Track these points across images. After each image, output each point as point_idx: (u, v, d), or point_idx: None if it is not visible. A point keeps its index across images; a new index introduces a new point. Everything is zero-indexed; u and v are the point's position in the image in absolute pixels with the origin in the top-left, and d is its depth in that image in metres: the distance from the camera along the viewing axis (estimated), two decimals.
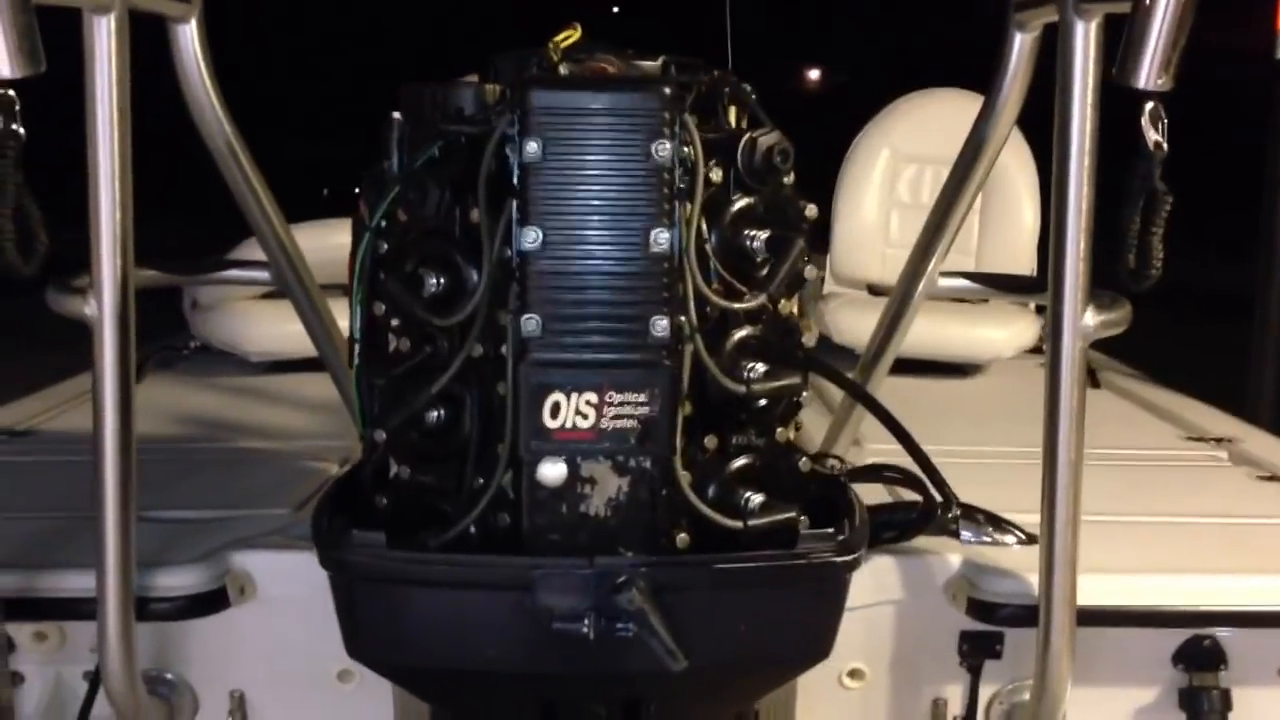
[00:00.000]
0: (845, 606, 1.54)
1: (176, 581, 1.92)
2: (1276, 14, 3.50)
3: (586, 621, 1.36)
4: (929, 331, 3.14)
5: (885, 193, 3.72)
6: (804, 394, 1.56)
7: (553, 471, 1.40)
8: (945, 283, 2.09)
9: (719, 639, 1.45)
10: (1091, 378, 3.41)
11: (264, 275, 2.11)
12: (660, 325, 1.40)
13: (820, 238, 3.72)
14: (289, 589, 1.97)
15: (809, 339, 1.58)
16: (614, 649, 1.38)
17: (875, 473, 2.04)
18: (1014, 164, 3.53)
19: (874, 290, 3.39)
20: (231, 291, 3.39)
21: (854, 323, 3.36)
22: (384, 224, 1.52)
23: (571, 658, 1.41)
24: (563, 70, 1.53)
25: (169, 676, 2.02)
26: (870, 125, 3.78)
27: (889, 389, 2.17)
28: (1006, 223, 3.62)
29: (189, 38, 1.81)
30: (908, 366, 3.16)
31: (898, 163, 3.73)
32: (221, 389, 3.28)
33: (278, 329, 3.19)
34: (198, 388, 3.30)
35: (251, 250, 2.31)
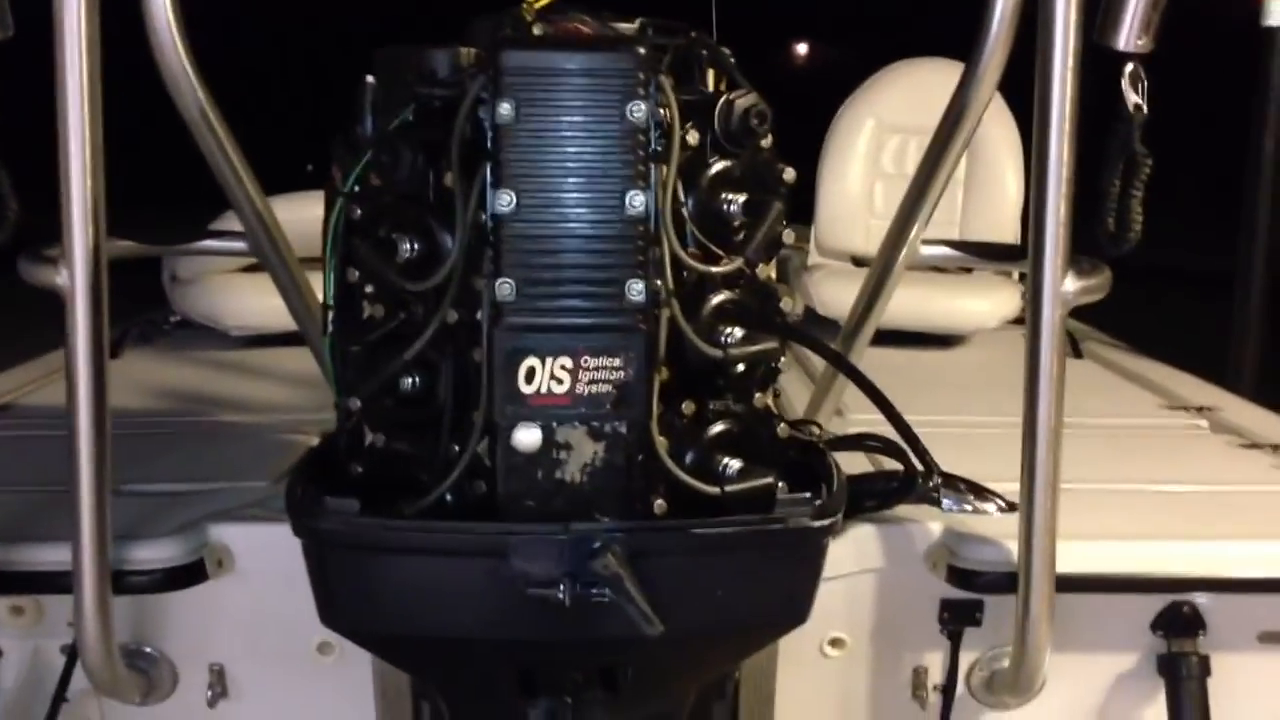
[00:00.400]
0: (823, 571, 1.54)
1: (153, 554, 1.91)
2: None
3: (562, 587, 1.35)
4: (912, 302, 3.14)
5: (870, 163, 3.71)
6: (782, 359, 1.55)
7: (527, 437, 1.39)
8: (927, 251, 2.08)
9: (696, 604, 1.44)
10: (1074, 347, 3.43)
11: (240, 246, 2.09)
12: (636, 289, 1.39)
13: (804, 209, 3.71)
14: (267, 561, 1.96)
15: (794, 309, 1.57)
16: (590, 615, 1.38)
17: (857, 441, 2.04)
18: (997, 133, 3.52)
19: (858, 261, 3.38)
20: (211, 265, 3.37)
21: (838, 294, 3.35)
22: (357, 189, 1.51)
23: (547, 624, 1.40)
24: (536, 31, 1.51)
25: (147, 650, 2.01)
26: (854, 96, 3.76)
27: (872, 360, 2.17)
28: (991, 192, 3.61)
29: (161, 4, 1.78)
30: (891, 337, 3.17)
31: (882, 133, 3.72)
32: (201, 363, 3.26)
33: (258, 302, 3.17)
34: (177, 362, 3.28)
35: (230, 222, 2.29)
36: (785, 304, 1.55)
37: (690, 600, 1.43)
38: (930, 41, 3.82)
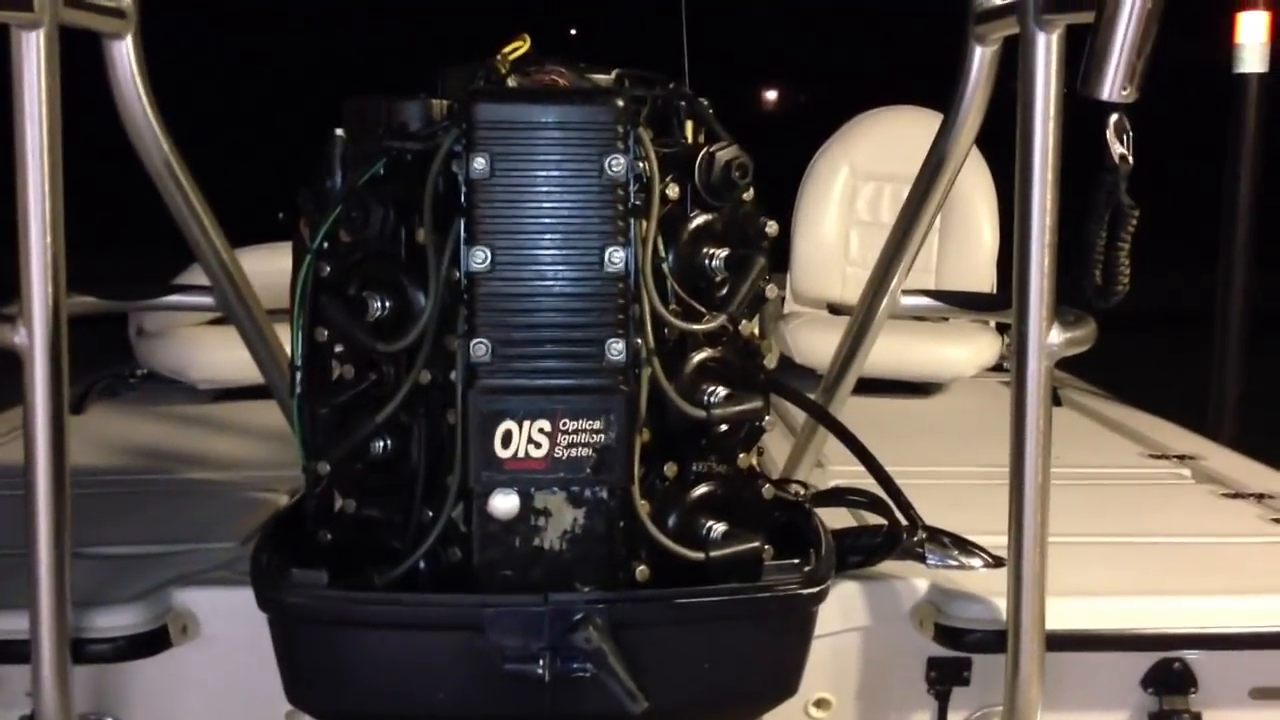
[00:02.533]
0: (813, 639, 1.49)
1: (115, 621, 1.85)
2: (1234, 28, 3.53)
3: (541, 662, 1.31)
4: (890, 350, 3.10)
5: (844, 211, 3.71)
6: (767, 418, 1.51)
7: (504, 504, 1.35)
8: (907, 301, 2.06)
9: (681, 677, 1.40)
10: (1054, 396, 3.41)
11: (206, 300, 2.05)
12: (616, 348, 1.36)
13: (780, 257, 3.70)
14: (234, 627, 1.89)
15: (769, 360, 1.53)
16: (571, 690, 1.33)
17: (839, 497, 2.01)
18: (972, 182, 3.53)
19: (834, 309, 3.37)
20: (178, 318, 3.32)
21: (815, 343, 3.33)
22: (326, 245, 1.46)
23: (526, 701, 1.35)
24: (511, 82, 1.48)
25: None
26: (828, 143, 3.78)
27: (850, 408, 2.14)
28: (966, 241, 3.61)
29: (124, 54, 1.76)
30: (869, 386, 3.13)
31: (856, 181, 3.73)
32: (167, 418, 3.20)
33: (225, 356, 3.11)
34: (143, 417, 3.22)
35: (196, 275, 2.24)
36: (770, 360, 1.52)
37: (676, 673, 1.39)
38: (904, 87, 3.85)
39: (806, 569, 1.45)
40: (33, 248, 1.49)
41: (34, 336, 1.51)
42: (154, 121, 1.80)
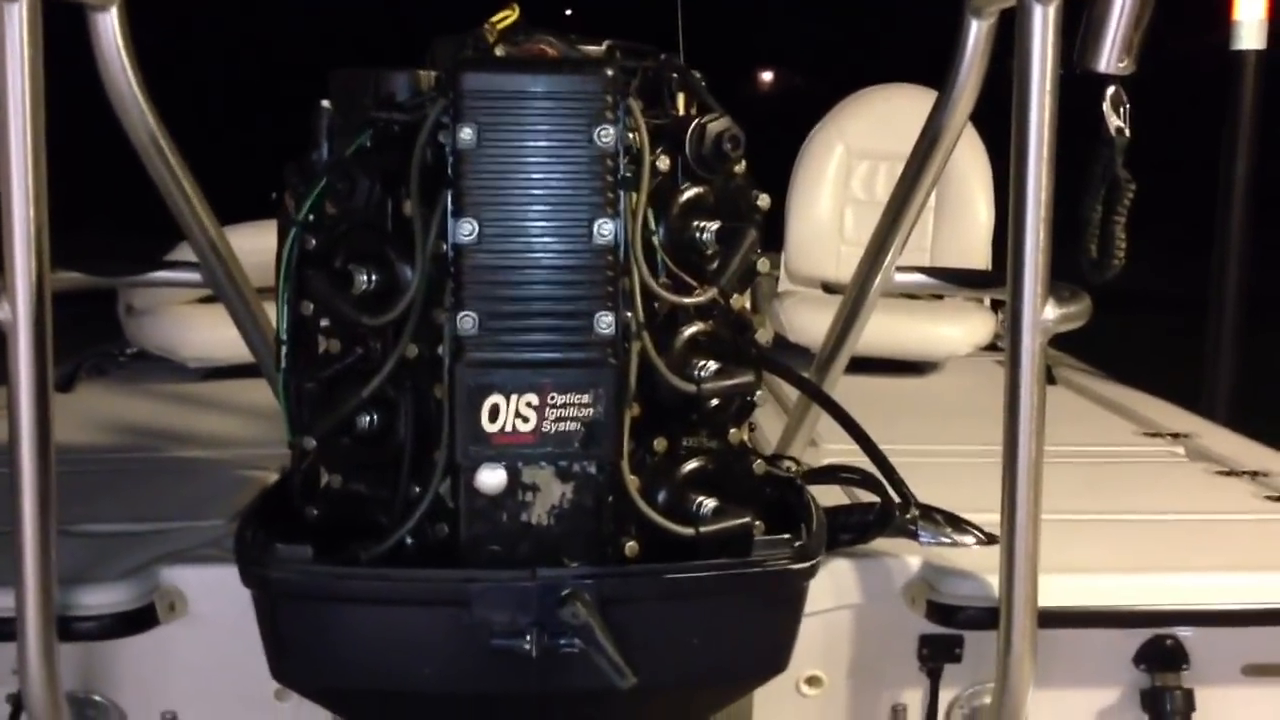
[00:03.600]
0: (803, 614, 1.48)
1: (102, 599, 1.83)
2: (1232, 4, 3.51)
3: (528, 638, 1.29)
4: (885, 329, 3.11)
5: (839, 189, 3.70)
6: (758, 393, 1.50)
7: (491, 478, 1.33)
8: (901, 278, 2.05)
9: (670, 653, 1.39)
10: (1048, 374, 3.40)
11: (193, 278, 2.03)
12: (605, 321, 1.34)
13: (774, 235, 3.68)
14: (222, 605, 1.88)
15: (763, 336, 1.52)
16: (558, 666, 1.32)
17: (832, 474, 2.01)
18: (967, 159, 3.51)
19: (829, 288, 3.36)
20: (168, 295, 3.30)
21: (809, 321, 3.33)
22: (311, 218, 1.45)
23: (513, 676, 1.34)
24: (499, 52, 1.46)
25: (96, 698, 1.94)
26: (823, 122, 3.76)
27: (844, 387, 2.13)
28: (961, 218, 3.60)
29: (109, 27, 1.73)
30: (863, 365, 3.12)
31: (851, 159, 3.71)
32: (157, 396, 3.19)
33: (215, 334, 3.09)
34: (132, 395, 3.21)
35: (184, 253, 2.22)
36: (760, 335, 1.50)
37: (664, 649, 1.38)
38: (900, 65, 3.82)
39: (797, 544, 1.44)
40: (15, 222, 1.47)
41: (17, 312, 1.49)
42: (140, 96, 1.78)
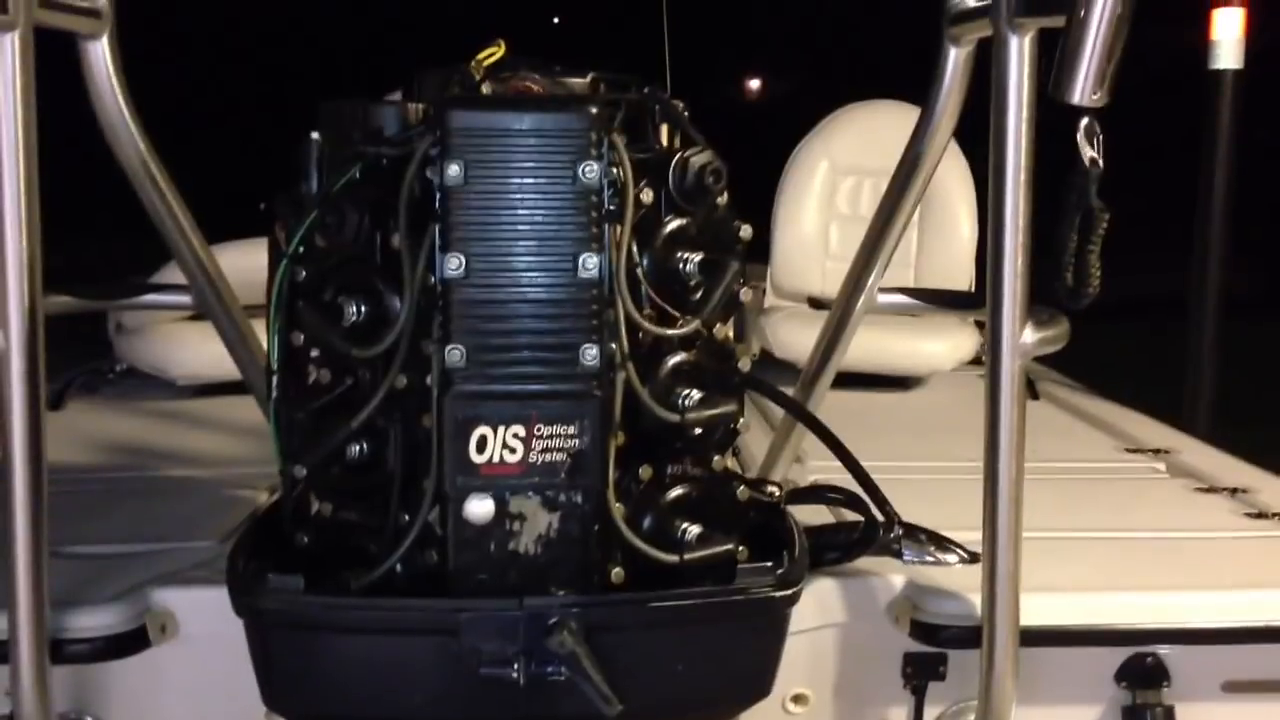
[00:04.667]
0: (786, 639, 1.50)
1: (93, 621, 1.84)
2: (1209, 24, 3.54)
3: (516, 666, 1.31)
4: (869, 344, 3.12)
5: (824, 205, 3.72)
6: (741, 421, 1.52)
7: (480, 508, 1.35)
8: (884, 299, 2.07)
9: (655, 680, 1.40)
10: (1030, 388, 3.43)
11: (183, 300, 2.05)
12: (590, 354, 1.36)
13: (760, 251, 3.71)
14: (213, 626, 1.89)
15: (745, 362, 1.54)
16: (545, 694, 1.34)
17: (816, 494, 2.02)
18: (951, 176, 3.54)
19: (815, 303, 3.38)
20: (157, 313, 3.30)
21: (795, 336, 3.34)
22: (302, 250, 1.46)
23: (501, 704, 1.36)
24: (485, 89, 1.48)
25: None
26: (808, 137, 3.78)
27: (828, 402, 2.15)
28: (944, 235, 3.63)
29: (100, 55, 1.75)
30: (848, 380, 3.14)
31: (836, 175, 3.74)
32: (146, 414, 3.19)
33: (204, 351, 3.09)
34: (121, 413, 3.21)
35: (173, 271, 2.24)
36: (744, 364, 1.52)
37: (649, 676, 1.39)
38: (884, 81, 3.85)
39: (779, 571, 1.46)
40: (8, 249, 1.48)
41: (10, 338, 1.50)
42: (130, 122, 1.80)
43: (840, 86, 4.43)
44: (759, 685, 1.49)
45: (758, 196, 3.74)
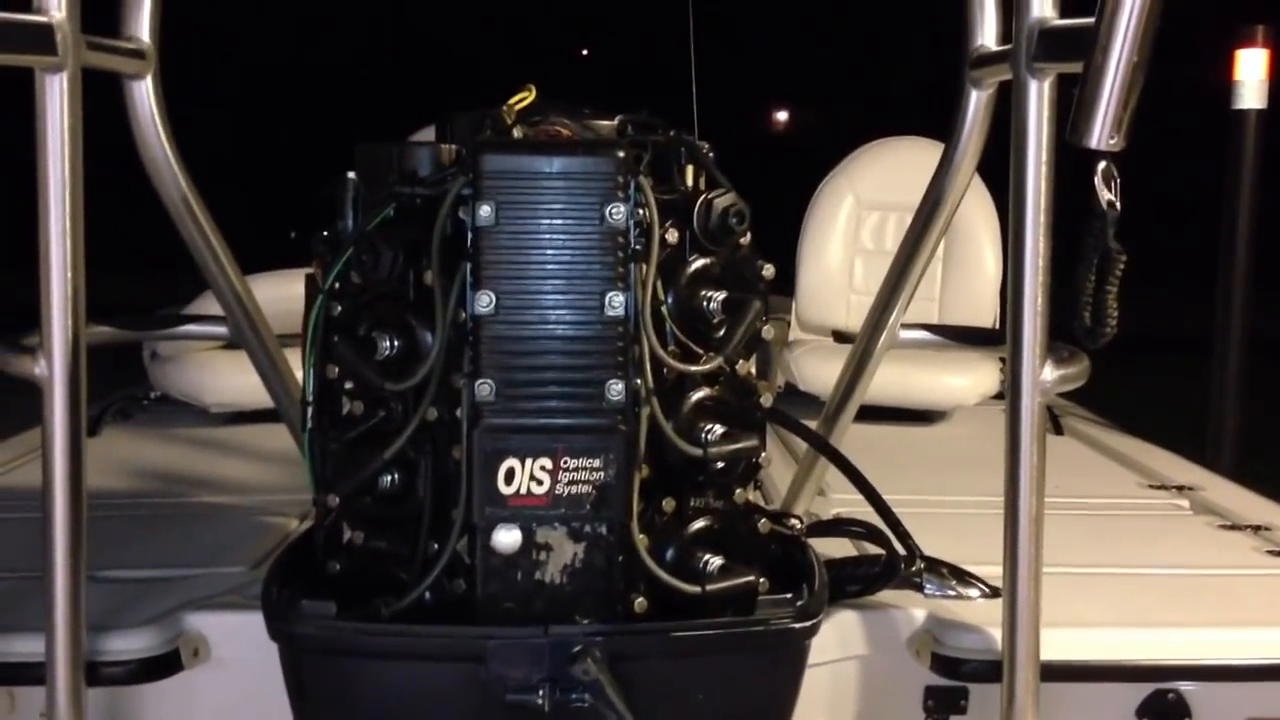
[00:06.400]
0: (805, 671, 1.53)
1: (128, 645, 1.88)
2: (1232, 64, 3.56)
3: (541, 693, 1.34)
4: (892, 378, 3.14)
5: (849, 240, 3.75)
6: (763, 455, 1.55)
7: (507, 539, 1.38)
8: (907, 335, 2.10)
9: (676, 708, 1.43)
10: (1055, 424, 3.44)
11: (219, 330, 2.09)
12: (615, 389, 1.39)
13: (785, 284, 3.74)
14: (244, 650, 1.92)
15: (768, 398, 1.57)
16: None
17: (838, 527, 2.04)
18: (976, 213, 3.56)
19: (839, 337, 3.40)
20: (191, 342, 3.35)
21: (819, 370, 3.36)
22: (337, 286, 1.51)
23: None
24: (516, 133, 1.52)
25: None
26: (834, 173, 3.81)
27: (852, 436, 2.17)
28: (969, 270, 3.64)
29: (144, 94, 1.80)
30: (871, 413, 3.15)
31: (861, 210, 3.76)
32: (180, 441, 3.24)
33: (238, 380, 3.15)
34: (156, 440, 3.26)
35: (209, 301, 2.29)
36: (766, 399, 1.55)
37: (670, 704, 1.42)
38: (911, 117, 3.88)
39: (799, 603, 1.49)
40: (54, 281, 1.53)
41: (53, 368, 1.54)
42: (173, 160, 1.85)
43: (869, 121, 4.46)
44: (778, 714, 1.51)
45: (784, 231, 3.78)
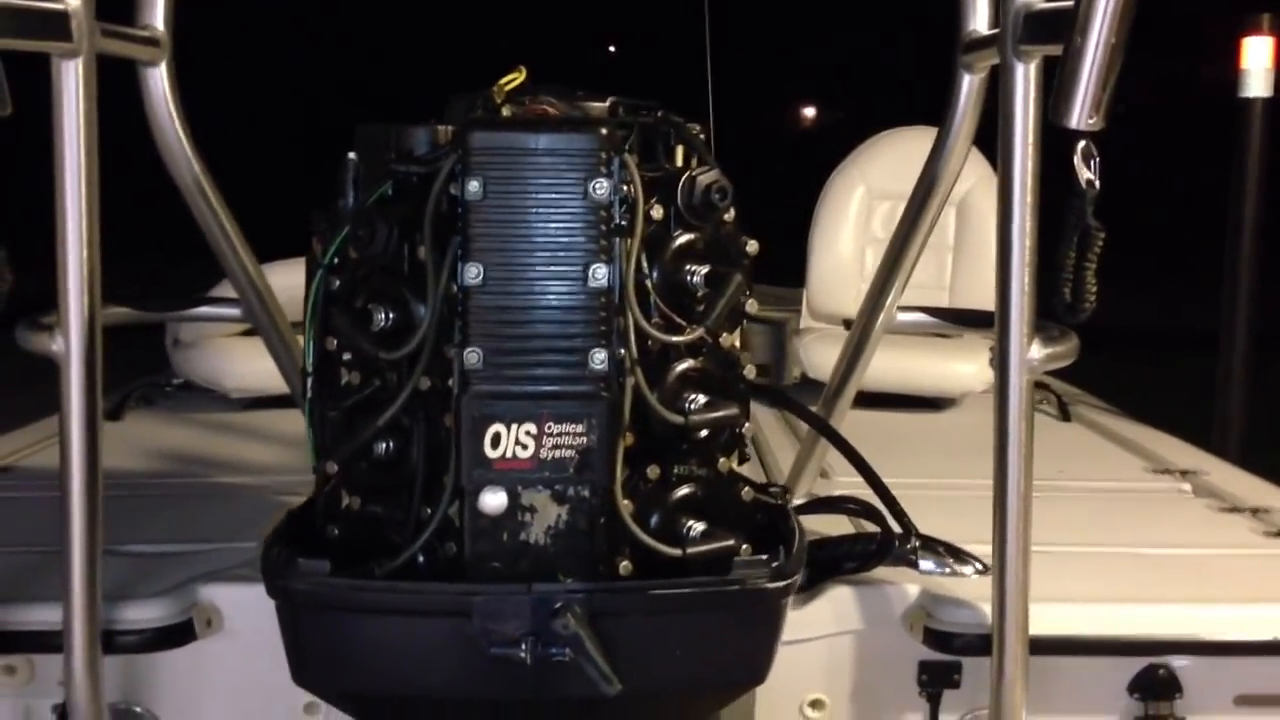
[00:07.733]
0: (783, 632, 1.57)
1: (143, 614, 1.94)
2: (1239, 53, 3.56)
3: (524, 647, 1.39)
4: (900, 365, 3.18)
5: (860, 229, 3.77)
6: (746, 425, 1.59)
7: (493, 500, 1.43)
8: (903, 317, 2.13)
9: (654, 664, 1.47)
10: (1063, 410, 3.46)
11: (234, 313, 2.15)
12: (599, 358, 1.44)
13: (798, 272, 3.77)
14: (256, 621, 1.97)
15: (750, 370, 1.60)
16: (552, 673, 1.41)
17: (835, 504, 2.08)
18: (986, 200, 3.57)
19: (849, 326, 3.42)
20: (212, 329, 3.43)
21: (828, 358, 3.34)
22: (336, 261, 1.56)
23: (510, 682, 1.43)
24: (505, 112, 1.57)
25: (137, 709, 2.03)
26: (844, 163, 3.83)
27: (861, 422, 2.20)
28: (979, 257, 3.65)
29: (159, 81, 1.85)
30: (880, 400, 3.20)
31: (872, 200, 3.78)
32: (200, 425, 3.31)
33: (257, 365, 3.19)
34: (177, 424, 3.33)
35: (226, 288, 2.35)
36: (749, 371, 1.59)
37: (649, 659, 1.46)
38: (922, 107, 3.90)
39: (774, 564, 1.53)
40: (70, 261, 1.57)
41: (70, 344, 1.59)
42: (186, 145, 1.90)
43: (883, 113, 4.47)
44: (754, 672, 1.55)
45: (795, 219, 3.81)
